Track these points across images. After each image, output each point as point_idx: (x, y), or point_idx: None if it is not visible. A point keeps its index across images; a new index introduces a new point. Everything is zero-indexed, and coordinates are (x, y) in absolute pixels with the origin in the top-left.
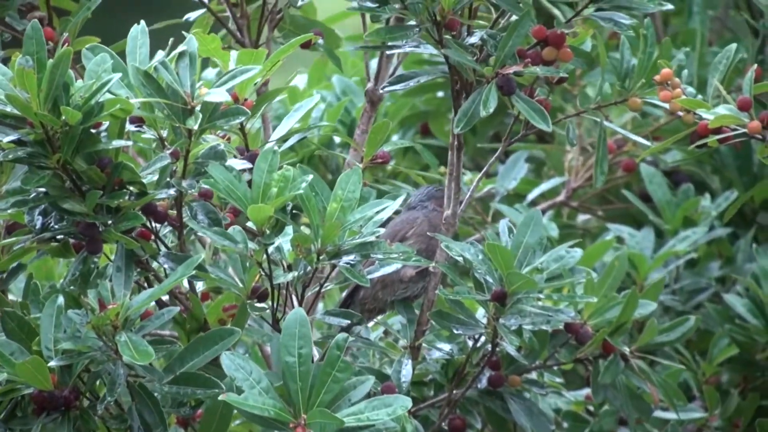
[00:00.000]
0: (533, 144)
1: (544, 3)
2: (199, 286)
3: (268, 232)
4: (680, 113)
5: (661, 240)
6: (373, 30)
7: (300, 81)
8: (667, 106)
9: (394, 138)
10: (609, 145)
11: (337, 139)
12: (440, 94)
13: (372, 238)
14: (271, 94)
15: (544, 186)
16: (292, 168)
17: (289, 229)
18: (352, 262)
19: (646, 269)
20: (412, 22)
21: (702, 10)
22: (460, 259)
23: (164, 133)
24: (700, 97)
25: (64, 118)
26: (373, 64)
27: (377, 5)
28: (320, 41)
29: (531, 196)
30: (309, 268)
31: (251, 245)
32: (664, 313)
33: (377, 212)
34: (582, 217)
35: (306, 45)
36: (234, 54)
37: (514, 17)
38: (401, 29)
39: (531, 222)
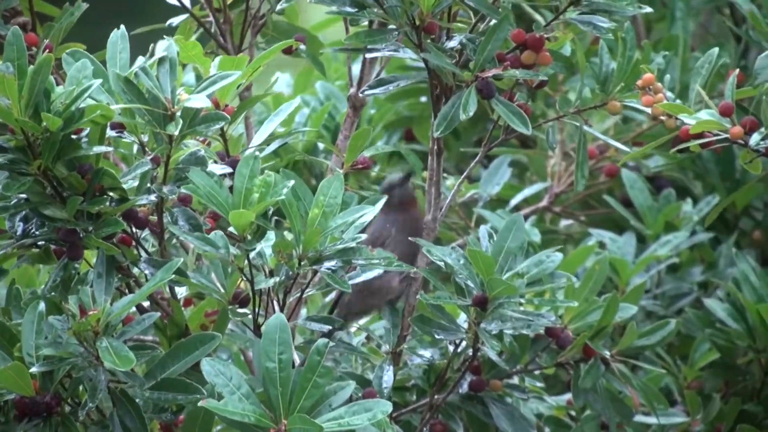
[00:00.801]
0: (516, 149)
1: (524, 6)
2: (183, 291)
3: (249, 237)
4: (662, 118)
5: (642, 245)
6: (352, 33)
7: (285, 87)
8: (648, 110)
9: (379, 143)
10: (591, 150)
11: (321, 145)
12: (423, 99)
13: (353, 244)
14: (253, 100)
15: (527, 191)
16: (274, 173)
17: (270, 235)
18: (333, 268)
19: (627, 274)
20: (392, 26)
21: (685, 16)
22: (441, 264)
23: (145, 138)
24: (679, 102)
25: (44, 124)
26: (356, 69)
27: (356, 9)
28: (302, 47)
29: (514, 202)
30: (291, 273)
31: (233, 250)
32: (646, 317)
33: (358, 217)
34: (565, 222)
35: (288, 51)
36: (216, 59)
37: (493, 21)
38: (380, 32)
39: (513, 227)
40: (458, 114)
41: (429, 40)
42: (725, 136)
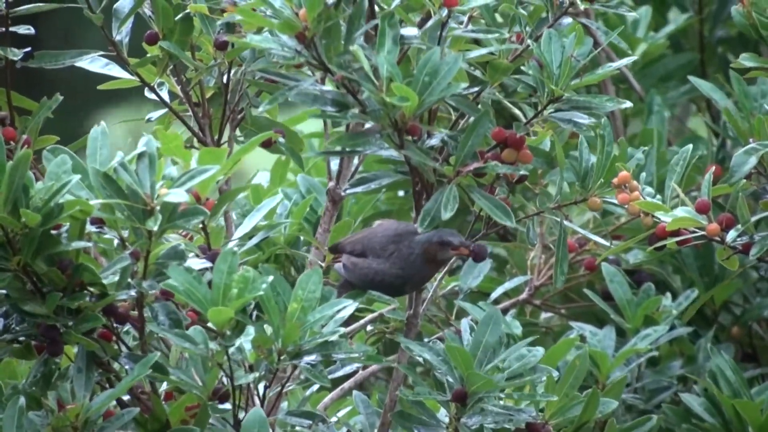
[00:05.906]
0: (496, 242)
1: (505, 103)
2: (163, 385)
3: (228, 333)
4: (639, 215)
5: (622, 339)
6: (335, 137)
7: (263, 179)
8: (625, 208)
9: None
10: (570, 244)
11: (302, 237)
12: (401, 193)
13: (333, 338)
14: (232, 193)
15: (508, 284)
16: (252, 269)
17: (250, 329)
18: (313, 362)
19: (608, 367)
20: (373, 127)
21: (661, 110)
22: (420, 359)
23: (125, 233)
24: (659, 197)
25: (23, 220)
26: (334, 163)
27: (338, 110)
28: (281, 140)
29: (494, 295)
30: (270, 368)
31: (212, 346)
32: (626, 411)
33: (337, 311)
34: (545, 315)
35: (267, 144)
36: (195, 152)
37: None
38: (362, 135)
39: (491, 321)
40: (440, 212)
41: (410, 139)
42: (702, 233)
